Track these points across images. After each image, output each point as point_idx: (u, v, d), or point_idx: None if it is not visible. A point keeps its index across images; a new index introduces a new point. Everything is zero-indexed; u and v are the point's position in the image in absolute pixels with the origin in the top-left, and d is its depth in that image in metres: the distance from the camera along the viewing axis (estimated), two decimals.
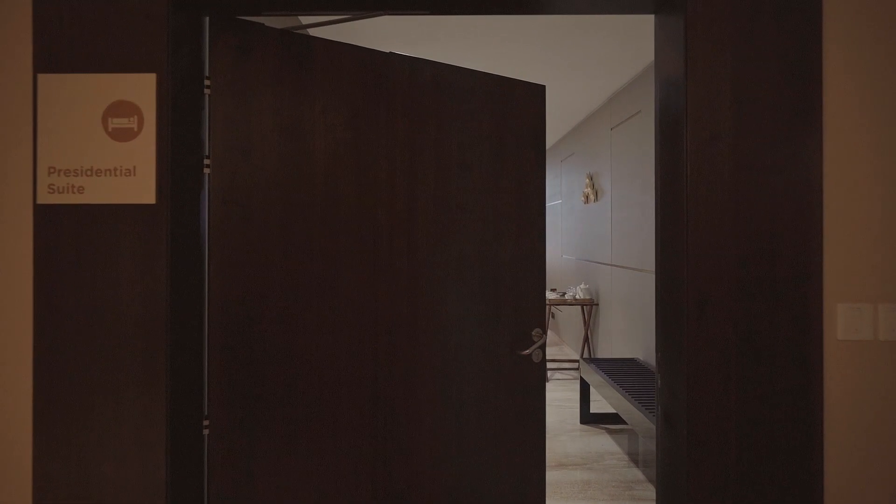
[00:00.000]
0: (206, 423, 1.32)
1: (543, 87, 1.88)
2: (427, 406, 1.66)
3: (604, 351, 4.62)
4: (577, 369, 5.11)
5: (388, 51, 1.67)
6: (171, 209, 1.16)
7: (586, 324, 4.94)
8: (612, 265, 4.39)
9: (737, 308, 1.14)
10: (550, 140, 6.65)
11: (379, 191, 1.59)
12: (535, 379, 1.85)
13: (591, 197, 4.94)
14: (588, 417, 3.69)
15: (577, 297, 4.81)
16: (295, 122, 1.46)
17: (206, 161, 1.34)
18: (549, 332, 5.03)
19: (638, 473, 2.95)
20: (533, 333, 1.80)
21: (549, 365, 5.24)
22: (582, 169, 5.36)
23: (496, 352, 1.75)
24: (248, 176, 1.39)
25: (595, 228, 4.88)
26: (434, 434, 1.67)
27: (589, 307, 4.88)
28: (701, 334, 1.15)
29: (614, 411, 3.70)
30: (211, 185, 1.34)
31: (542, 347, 1.79)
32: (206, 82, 1.33)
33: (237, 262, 1.36)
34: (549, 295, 5.05)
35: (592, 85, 4.14)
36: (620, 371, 3.46)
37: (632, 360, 3.69)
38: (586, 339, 4.97)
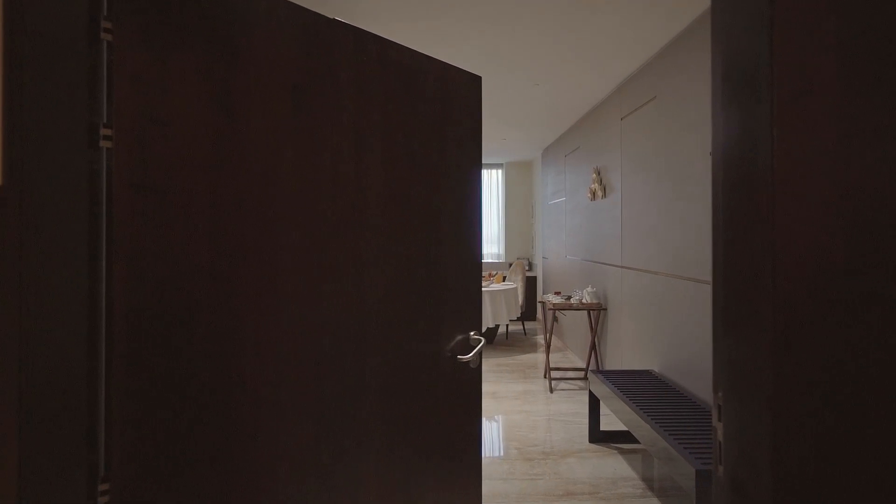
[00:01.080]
0: (102, 487, 0.97)
1: (480, 77, 1.80)
2: (374, 430, 1.45)
3: (613, 360, 4.27)
4: (583, 379, 4.76)
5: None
6: (30, 193, 0.82)
7: (593, 330, 4.58)
8: (622, 267, 4.04)
9: (851, 336, 0.79)
10: (552, 135, 6.30)
11: (323, 181, 1.28)
12: (471, 386, 1.77)
13: (599, 193, 4.59)
14: (598, 435, 3.34)
15: (584, 300, 4.46)
16: (227, 91, 1.11)
17: (106, 132, 0.99)
18: (552, 338, 4.68)
19: None
20: (471, 337, 1.75)
21: (553, 374, 4.89)
22: (588, 163, 5.01)
23: (439, 359, 1.63)
24: (167, 154, 1.04)
25: (603, 227, 4.53)
26: (380, 468, 1.47)
27: (596, 312, 4.53)
28: (795, 374, 0.80)
29: (626, 429, 3.35)
30: (113, 163, 0.99)
31: (480, 354, 1.72)
32: (106, 25, 0.98)
33: (151, 267, 1.01)
34: (553, 298, 4.70)
35: (599, 72, 3.79)
36: (633, 384, 3.11)
37: (646, 373, 3.34)
38: (593, 347, 4.62)
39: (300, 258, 1.25)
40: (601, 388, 3.17)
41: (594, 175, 4.71)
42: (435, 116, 1.61)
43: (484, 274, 7.71)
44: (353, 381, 1.39)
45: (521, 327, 7.31)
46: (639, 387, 3.07)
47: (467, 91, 1.74)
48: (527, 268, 8.41)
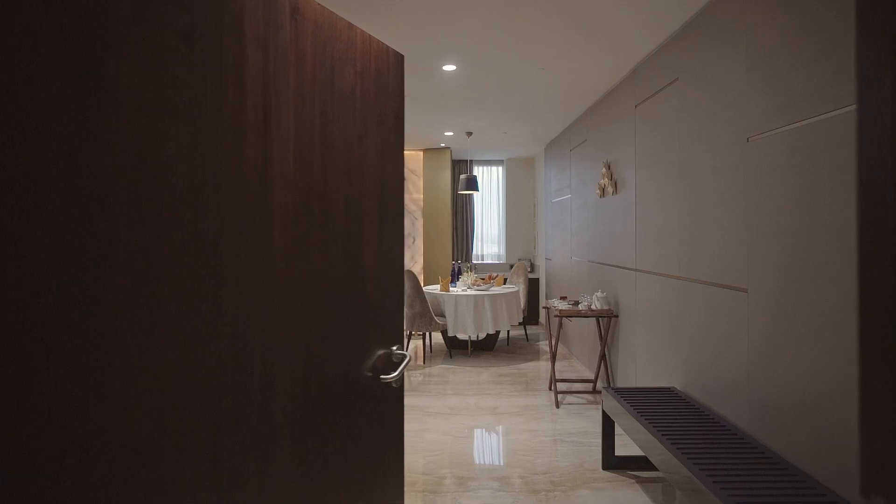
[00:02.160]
0: None
1: (403, 55, 1.55)
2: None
3: (626, 374, 3.89)
4: (592, 392, 4.38)
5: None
6: None
7: (603, 339, 4.20)
8: (636, 270, 3.66)
9: None
10: (557, 127, 5.91)
11: (223, 167, 0.93)
12: (392, 408, 1.52)
13: (609, 189, 4.21)
14: (612, 461, 2.95)
15: (594, 306, 4.07)
16: (91, 26, 0.73)
17: None
18: (558, 345, 4.30)
19: None
20: (394, 352, 1.51)
21: (559, 386, 4.51)
22: (597, 157, 4.62)
23: (360, 380, 1.37)
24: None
25: (614, 226, 4.14)
26: None
27: (607, 319, 4.15)
28: None
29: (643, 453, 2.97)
30: None
31: (403, 372, 1.49)
32: None
33: None
34: (559, 304, 4.32)
35: (612, 53, 3.41)
36: (652, 403, 2.73)
37: (667, 390, 2.96)
38: (603, 357, 4.24)
39: (187, 268, 0.87)
40: (614, 407, 2.79)
41: (604, 170, 4.32)
42: (355, 95, 1.33)
43: (484, 276, 7.33)
44: (258, 419, 1.03)
45: (524, 332, 6.93)
46: (658, 406, 2.68)
47: (393, 69, 1.50)
48: (529, 269, 8.02)
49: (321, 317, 1.21)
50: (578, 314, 4.05)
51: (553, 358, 4.32)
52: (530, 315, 7.61)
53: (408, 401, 4.17)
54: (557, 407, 4.00)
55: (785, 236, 2.04)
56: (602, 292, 4.11)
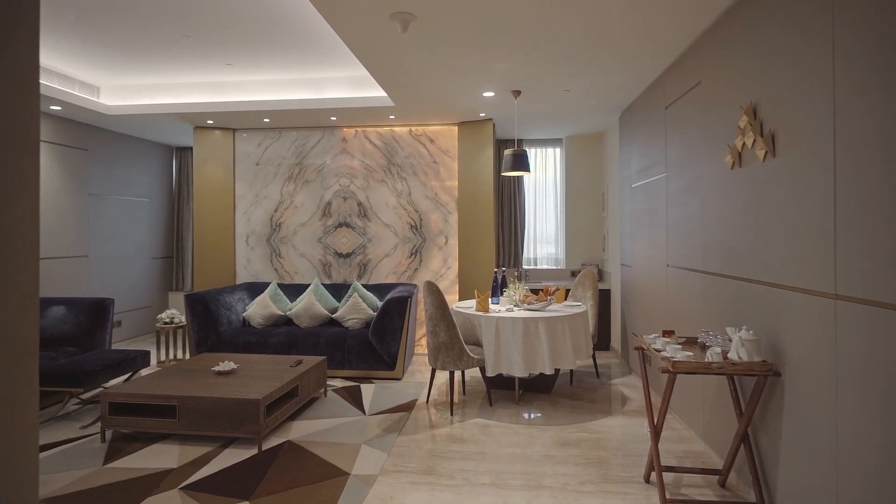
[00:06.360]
0: None
1: None
2: None
3: (801, 475, 2.10)
4: (723, 487, 2.62)
5: None
6: None
7: (745, 413, 2.43)
8: (835, 296, 1.89)
9: None
10: (644, 77, 4.14)
11: None
12: None
13: (756, 151, 2.44)
14: None
15: (737, 355, 2.32)
16: None
17: None
18: (662, 417, 2.60)
19: None
20: None
21: (665, 477, 2.76)
22: (726, 103, 2.85)
23: None
24: None
25: (769, 216, 2.38)
26: None
27: (760, 379, 2.37)
28: None
29: None
30: None
31: None
32: None
33: None
34: (666, 347, 2.60)
35: None
36: None
37: None
38: (744, 440, 2.47)
39: None
40: None
41: (744, 121, 2.56)
42: None
43: (539, 287, 5.62)
44: None
45: (592, 364, 5.18)
46: None
47: None
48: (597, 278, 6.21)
49: None
50: (709, 370, 2.31)
51: (656, 436, 2.60)
52: (600, 339, 5.83)
53: (415, 494, 2.58)
54: None
55: None
56: (748, 331, 2.35)
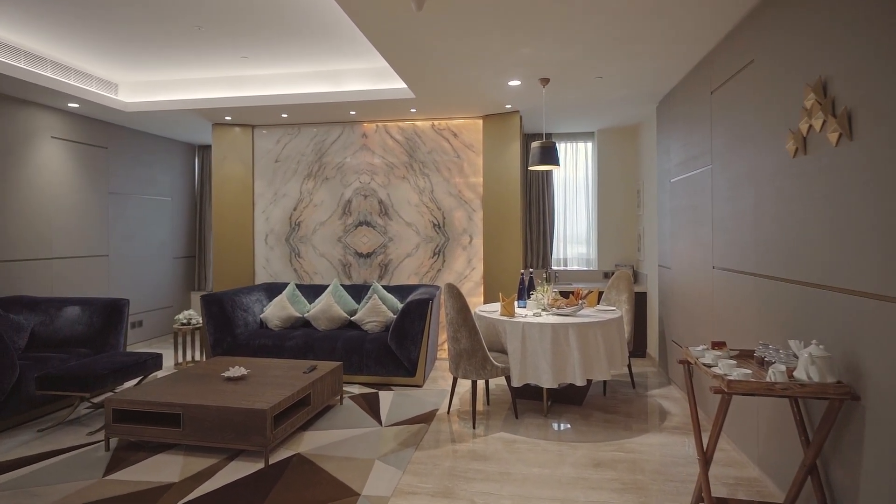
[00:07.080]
0: None
1: None
2: None
3: None
4: None
5: None
6: None
7: (814, 441, 2.07)
8: None
9: None
10: (687, 59, 3.78)
11: None
12: None
13: (828, 135, 2.08)
14: None
15: (805, 374, 1.97)
16: None
17: None
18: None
19: None
20: None
21: None
22: (788, 81, 2.48)
23: None
24: None
25: (838, 209, 2.02)
26: None
27: (833, 401, 2.01)
28: None
29: None
30: None
31: None
32: None
33: None
34: (713, 361, 2.27)
35: None
36: None
37: None
38: (811, 472, 2.12)
39: None
40: None
41: (811, 99, 2.20)
42: None
43: (570, 290, 5.28)
44: None
45: (627, 373, 4.82)
46: None
47: None
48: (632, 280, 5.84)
49: None
50: (772, 391, 1.96)
51: (706, 464, 2.26)
52: (636, 345, 5.46)
53: None
54: None
55: None
56: (818, 346, 2.00)
